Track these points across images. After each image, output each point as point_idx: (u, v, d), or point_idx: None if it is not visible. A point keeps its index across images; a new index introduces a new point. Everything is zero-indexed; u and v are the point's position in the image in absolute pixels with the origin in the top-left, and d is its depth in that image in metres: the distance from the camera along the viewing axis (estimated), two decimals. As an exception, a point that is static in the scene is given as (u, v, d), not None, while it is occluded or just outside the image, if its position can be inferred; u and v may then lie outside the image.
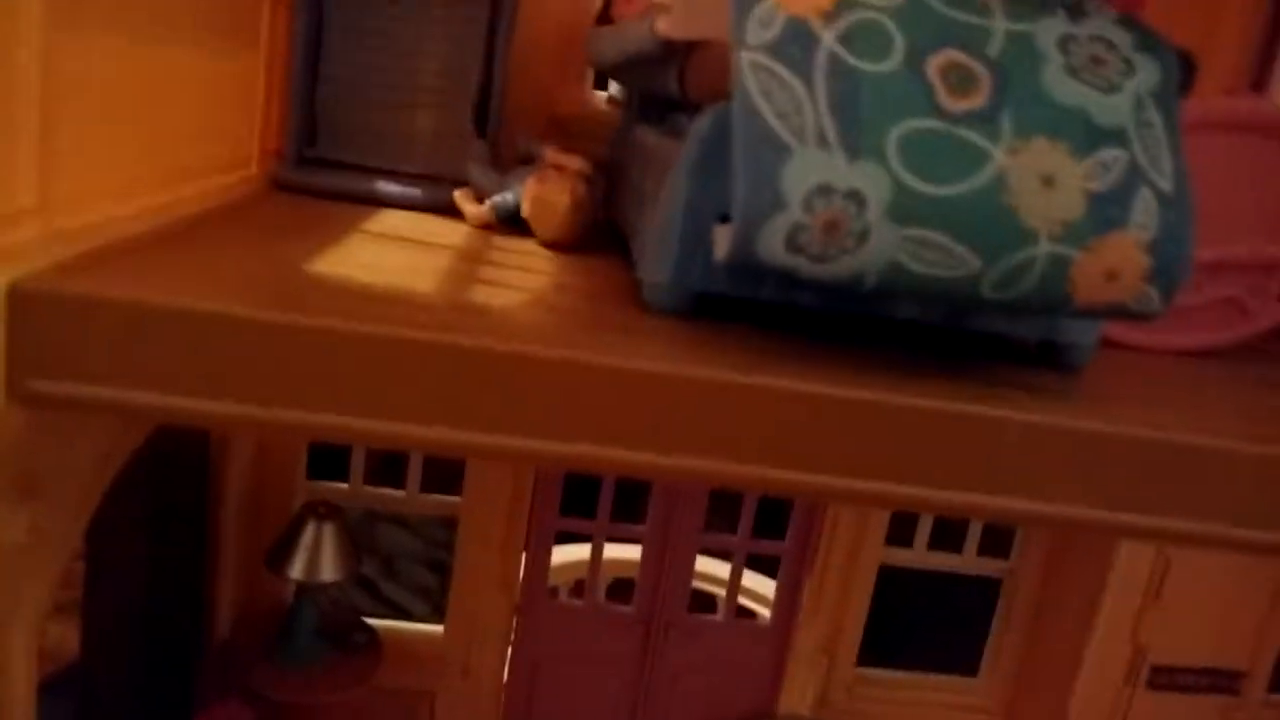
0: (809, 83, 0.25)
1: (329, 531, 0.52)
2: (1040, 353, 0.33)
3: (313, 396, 0.25)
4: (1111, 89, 0.27)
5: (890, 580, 0.64)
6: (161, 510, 0.51)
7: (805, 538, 0.61)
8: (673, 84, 0.36)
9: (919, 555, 0.64)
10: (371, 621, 0.58)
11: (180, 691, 0.56)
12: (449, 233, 0.41)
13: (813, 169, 0.24)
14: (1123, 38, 0.27)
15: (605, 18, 0.47)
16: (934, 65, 0.26)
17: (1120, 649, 0.63)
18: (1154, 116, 0.27)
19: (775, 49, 0.25)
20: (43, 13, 0.24)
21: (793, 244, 0.25)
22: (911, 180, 0.25)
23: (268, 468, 0.57)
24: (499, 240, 0.41)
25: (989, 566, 0.65)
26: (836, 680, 0.64)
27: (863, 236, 0.25)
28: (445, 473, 0.61)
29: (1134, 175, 0.26)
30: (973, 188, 0.25)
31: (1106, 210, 0.26)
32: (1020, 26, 0.27)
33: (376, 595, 1.03)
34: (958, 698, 0.66)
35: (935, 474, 0.27)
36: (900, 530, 0.63)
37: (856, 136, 0.25)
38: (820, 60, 0.25)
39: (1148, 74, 0.27)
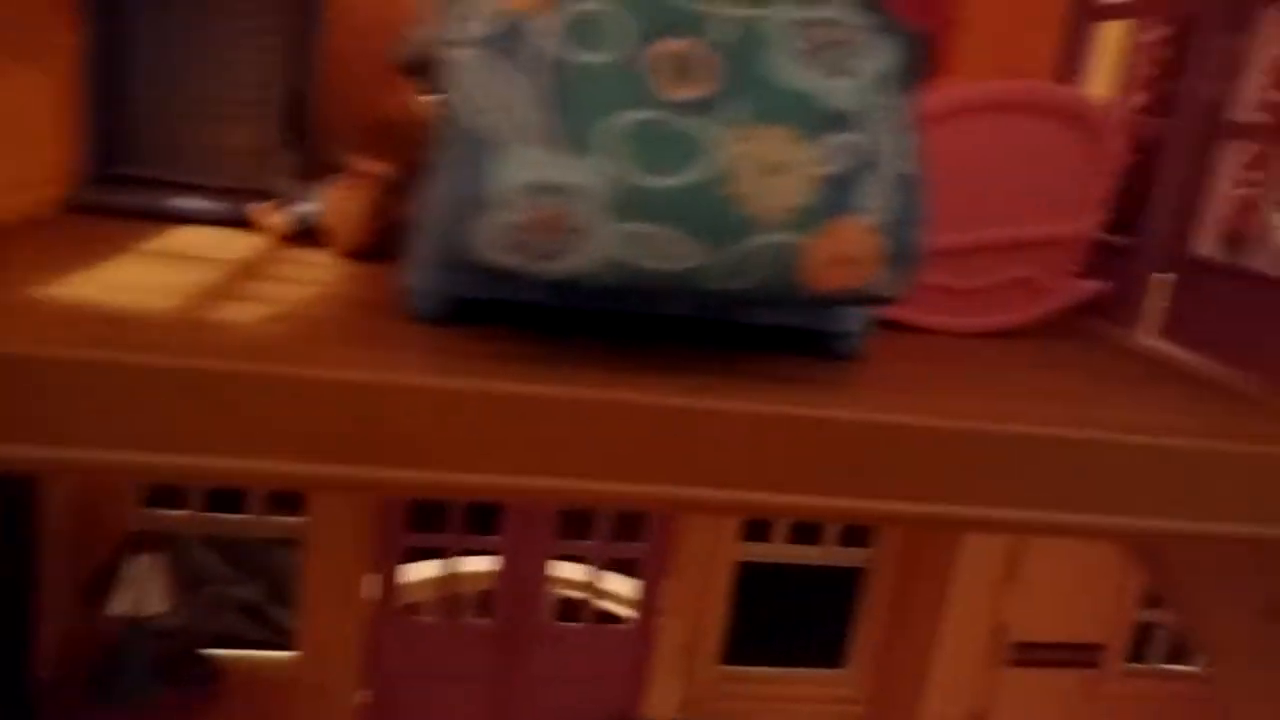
0: (521, 78, 0.24)
1: (152, 563, 0.50)
2: (815, 343, 0.33)
3: (32, 427, 0.24)
4: (843, 72, 0.27)
5: (752, 576, 0.64)
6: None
7: (663, 538, 0.61)
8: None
9: (777, 549, 0.64)
10: (213, 652, 0.56)
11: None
12: (241, 247, 0.39)
13: (524, 166, 0.24)
14: (857, 20, 0.27)
15: (418, 19, 0.46)
16: (654, 54, 0.25)
17: (978, 628, 0.64)
18: (886, 99, 0.27)
19: (485, 44, 0.25)
20: None
21: (509, 244, 0.24)
22: (630, 173, 0.24)
23: (95, 496, 0.55)
24: (293, 253, 0.40)
25: (849, 557, 0.66)
26: (701, 680, 0.64)
27: (583, 233, 0.24)
28: (290, 493, 0.60)
29: (866, 159, 0.26)
30: (694, 178, 0.25)
31: (836, 195, 0.26)
32: (750, 12, 0.27)
33: (264, 620, 1.00)
34: (825, 690, 0.67)
35: (683, 470, 0.26)
36: (759, 525, 0.64)
37: (571, 131, 0.24)
38: (533, 54, 0.25)
39: (884, 56, 0.27)
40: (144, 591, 0.50)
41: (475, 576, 0.67)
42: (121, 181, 0.45)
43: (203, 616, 0.90)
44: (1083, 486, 0.28)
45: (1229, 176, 0.41)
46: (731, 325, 0.32)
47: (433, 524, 0.60)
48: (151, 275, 0.33)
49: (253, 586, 0.93)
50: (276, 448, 0.24)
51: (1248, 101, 0.40)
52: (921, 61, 0.28)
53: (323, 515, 0.57)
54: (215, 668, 0.55)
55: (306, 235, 0.41)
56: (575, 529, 0.62)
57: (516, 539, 0.59)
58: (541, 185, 0.24)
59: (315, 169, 0.46)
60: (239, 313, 0.29)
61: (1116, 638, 0.68)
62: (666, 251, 0.25)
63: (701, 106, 0.25)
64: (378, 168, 0.42)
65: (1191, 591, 0.43)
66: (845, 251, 0.26)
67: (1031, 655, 0.66)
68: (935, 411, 0.28)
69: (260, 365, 0.24)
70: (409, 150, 0.47)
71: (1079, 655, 0.68)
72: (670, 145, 0.25)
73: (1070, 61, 0.51)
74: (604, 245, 0.24)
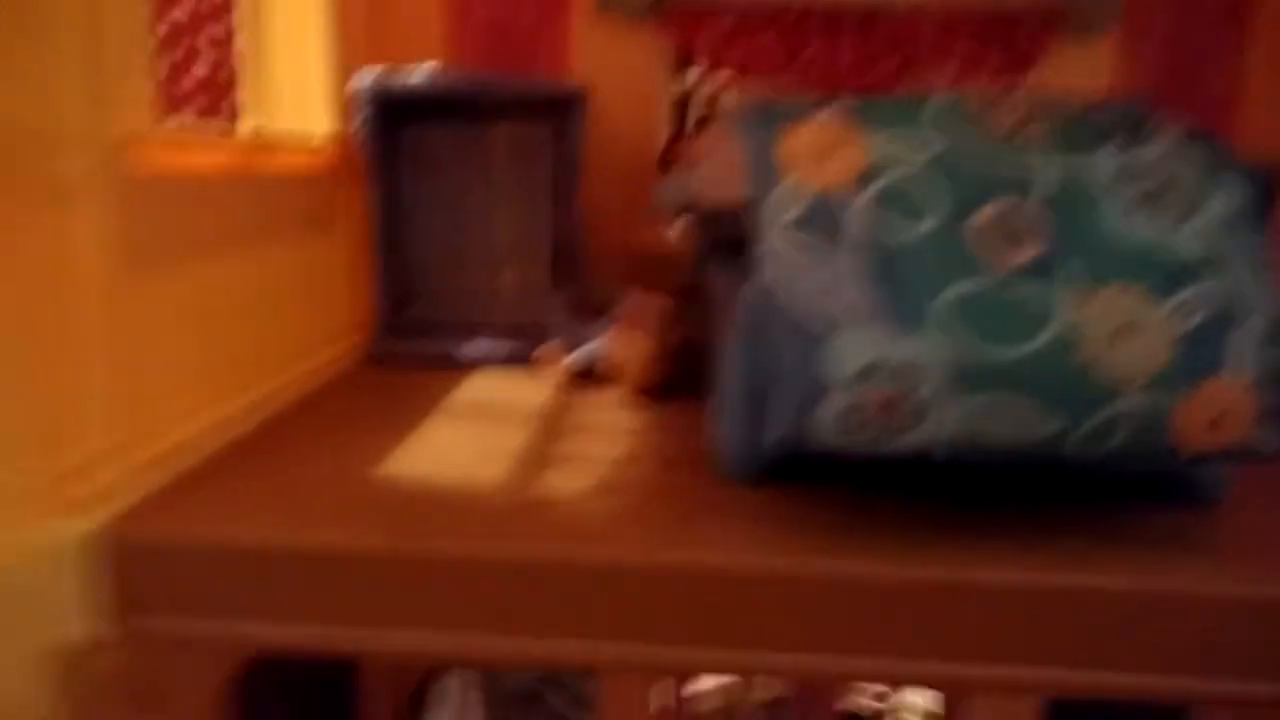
0: (841, 258, 0.24)
1: (462, 683, 0.52)
2: (1177, 490, 0.29)
3: (374, 615, 0.26)
4: (1186, 218, 0.24)
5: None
6: (306, 680, 0.52)
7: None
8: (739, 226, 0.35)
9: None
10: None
11: None
12: (532, 394, 0.41)
13: (860, 348, 0.23)
14: (1191, 159, 0.25)
15: (666, 160, 0.47)
16: (980, 219, 0.24)
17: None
18: (1240, 242, 0.24)
19: (803, 225, 0.24)
20: (99, 260, 0.26)
21: (846, 427, 0.23)
22: (969, 347, 0.23)
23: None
24: (586, 395, 0.41)
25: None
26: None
27: (921, 412, 0.23)
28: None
29: (1225, 310, 0.24)
30: (1039, 347, 0.23)
31: (1199, 353, 0.23)
32: (1072, 163, 0.25)
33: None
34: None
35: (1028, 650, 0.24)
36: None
37: (902, 307, 0.23)
38: (854, 231, 0.24)
39: (1226, 196, 0.25)
40: (457, 713, 0.52)
41: (765, 683, 0.65)
42: (410, 329, 0.48)
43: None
44: None
45: None
46: (1080, 474, 0.29)
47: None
48: (464, 441, 0.34)
49: (559, 696, 0.96)
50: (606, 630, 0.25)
51: None
52: (1269, 193, 0.25)
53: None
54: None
55: (591, 373, 0.43)
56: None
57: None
58: (880, 366, 0.23)
59: (585, 305, 0.48)
60: (560, 483, 0.30)
61: None
62: (1018, 422, 0.23)
63: (1036, 270, 0.24)
64: (656, 301, 0.43)
65: None
66: (1216, 414, 0.23)
67: None
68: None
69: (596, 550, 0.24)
70: (674, 279, 0.47)
71: None
72: (1008, 314, 0.23)
73: None
74: (950, 421, 0.23)
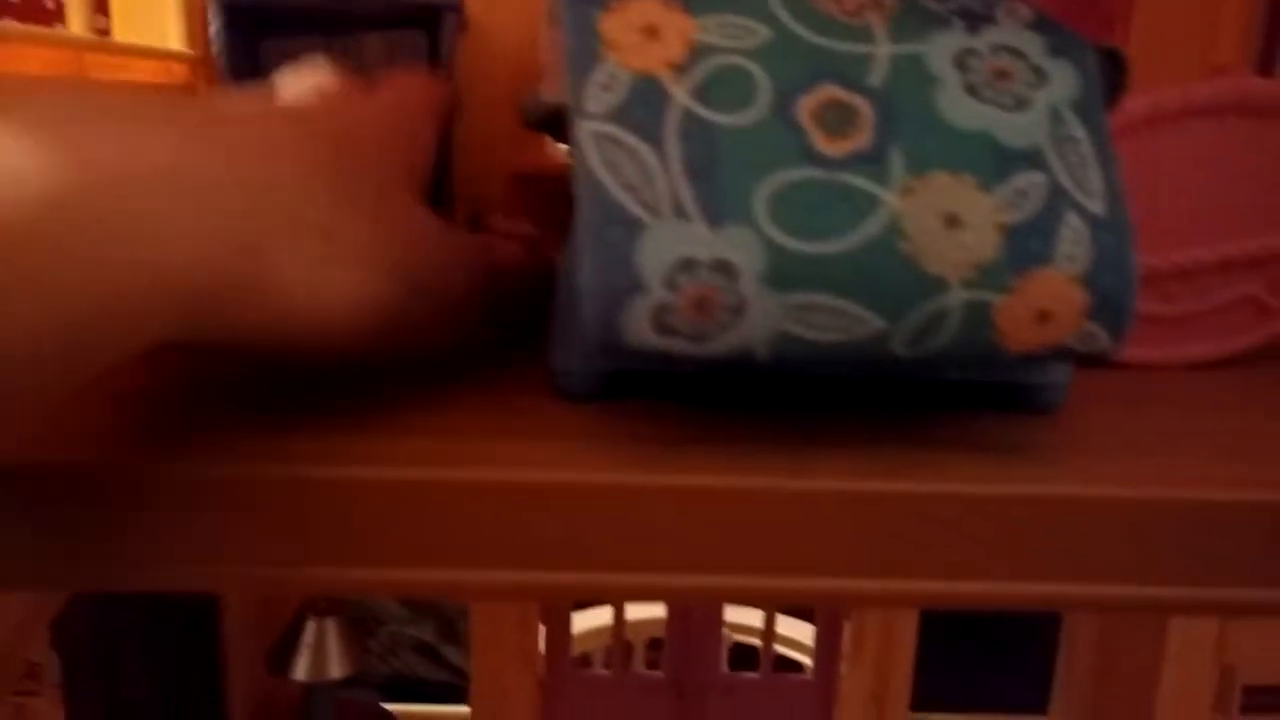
0: (660, 148, 0.22)
1: (331, 627, 0.51)
2: (1010, 397, 0.29)
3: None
4: (1020, 104, 0.23)
5: (940, 615, 0.60)
6: (166, 614, 0.50)
7: (839, 582, 0.58)
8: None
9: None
10: (394, 708, 0.57)
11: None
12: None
13: (671, 243, 0.22)
14: (1032, 43, 0.24)
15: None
16: (807, 106, 0.23)
17: (1204, 671, 0.58)
18: (1075, 130, 0.23)
19: (620, 115, 0.22)
20: None
21: (661, 326, 0.22)
22: (788, 240, 0.22)
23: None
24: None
25: (1047, 593, 0.60)
26: (891, 729, 0.60)
27: (738, 310, 0.22)
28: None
29: (1056, 200, 0.23)
30: (862, 240, 0.22)
31: (1026, 244, 0.22)
32: (908, 48, 0.24)
33: (438, 660, 1.02)
34: (1028, 737, 0.62)
35: (876, 562, 0.24)
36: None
37: (719, 200, 0.22)
38: (672, 120, 0.22)
39: (1063, 81, 0.24)
40: (324, 655, 0.50)
41: (646, 623, 0.65)
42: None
43: (381, 657, 0.92)
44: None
45: None
46: (914, 383, 0.29)
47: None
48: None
49: (426, 626, 0.95)
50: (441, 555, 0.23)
51: None
52: (1113, 81, 0.25)
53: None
54: (395, 727, 0.55)
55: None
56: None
57: (686, 587, 0.57)
58: (691, 261, 0.22)
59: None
60: (395, 402, 0.28)
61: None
62: (838, 322, 0.22)
63: (863, 159, 0.22)
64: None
65: None
66: (1044, 307, 0.23)
67: (1264, 700, 0.59)
68: (1154, 478, 0.24)
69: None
70: (553, 204, 0.46)
71: (1323, 695, 0.60)
72: (830, 206, 0.22)
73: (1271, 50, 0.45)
74: (766, 321, 0.22)
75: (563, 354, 0.27)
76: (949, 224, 0.22)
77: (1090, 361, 0.24)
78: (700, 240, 0.22)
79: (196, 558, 0.23)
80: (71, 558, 0.23)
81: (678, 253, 0.22)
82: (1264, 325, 0.35)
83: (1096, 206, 0.23)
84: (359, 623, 0.88)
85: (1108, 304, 0.23)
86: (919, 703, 0.61)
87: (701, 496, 0.23)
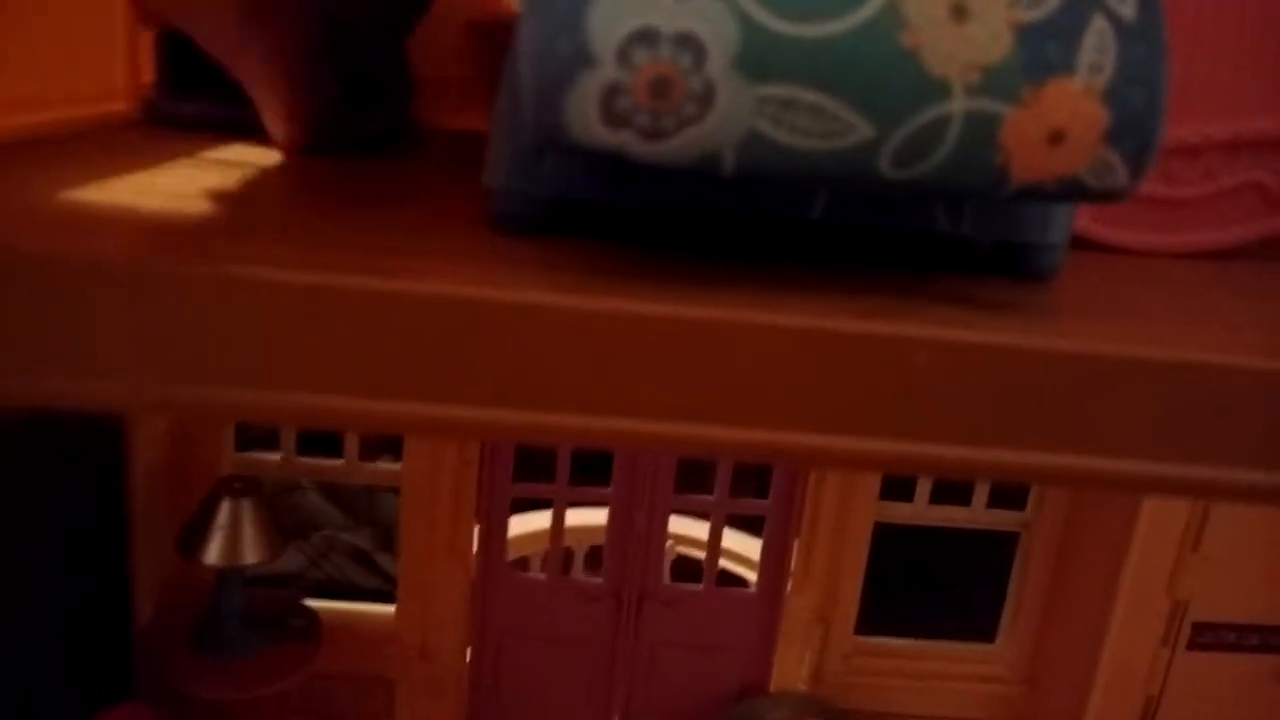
0: (621, -108, 0.18)
1: (247, 508, 0.47)
2: (1002, 259, 0.26)
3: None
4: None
5: (891, 538, 0.58)
6: (72, 484, 0.47)
7: (790, 494, 0.55)
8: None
9: (920, 510, 0.57)
10: (316, 603, 0.54)
11: (114, 682, 0.51)
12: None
13: (629, 8, 0.18)
14: None
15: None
16: None
17: (1155, 605, 0.56)
18: (1110, -80, 0.20)
19: None
20: None
21: (611, 113, 0.18)
22: (767, 17, 0.18)
23: (187, 439, 0.52)
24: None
25: (1002, 520, 0.58)
26: (834, 651, 0.58)
27: (703, 99, 0.18)
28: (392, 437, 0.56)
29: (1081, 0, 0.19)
30: (854, 24, 0.18)
31: (1044, 48, 0.19)
32: None
33: (372, 567, 0.99)
34: (973, 666, 0.60)
35: (824, 413, 0.20)
36: (899, 483, 0.57)
37: (688, -39, 0.18)
38: None
39: None
40: (238, 539, 0.47)
41: (587, 530, 0.62)
42: (198, 93, 0.41)
43: (313, 562, 0.89)
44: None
45: None
46: (890, 235, 0.26)
47: (540, 473, 0.55)
48: (199, 181, 0.28)
49: (363, 533, 0.92)
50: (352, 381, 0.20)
51: None
52: None
53: (420, 462, 0.54)
54: (317, 620, 0.52)
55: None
56: (695, 481, 0.56)
57: (630, 490, 0.54)
58: (651, 33, 0.18)
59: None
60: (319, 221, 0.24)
61: (1317, 619, 0.59)
62: (818, 124, 0.19)
63: (863, -70, 0.19)
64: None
65: None
66: (1058, 125, 0.19)
67: (1214, 637, 0.58)
68: (1155, 340, 0.21)
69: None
70: (504, 58, 0.42)
71: (1269, 639, 0.59)
72: (821, -20, 0.18)
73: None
74: (736, 115, 0.19)
75: (502, 168, 0.24)
76: (956, 15, 0.19)
77: (1104, 200, 0.21)
78: (663, 8, 0.18)
79: (91, 368, 0.19)
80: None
81: (636, 21, 0.18)
82: (1267, 216, 0.33)
83: (1126, 11, 0.20)
84: (296, 529, 0.84)
85: (1131, 126, 0.20)
86: (864, 626, 0.59)
87: (647, 325, 0.20)
